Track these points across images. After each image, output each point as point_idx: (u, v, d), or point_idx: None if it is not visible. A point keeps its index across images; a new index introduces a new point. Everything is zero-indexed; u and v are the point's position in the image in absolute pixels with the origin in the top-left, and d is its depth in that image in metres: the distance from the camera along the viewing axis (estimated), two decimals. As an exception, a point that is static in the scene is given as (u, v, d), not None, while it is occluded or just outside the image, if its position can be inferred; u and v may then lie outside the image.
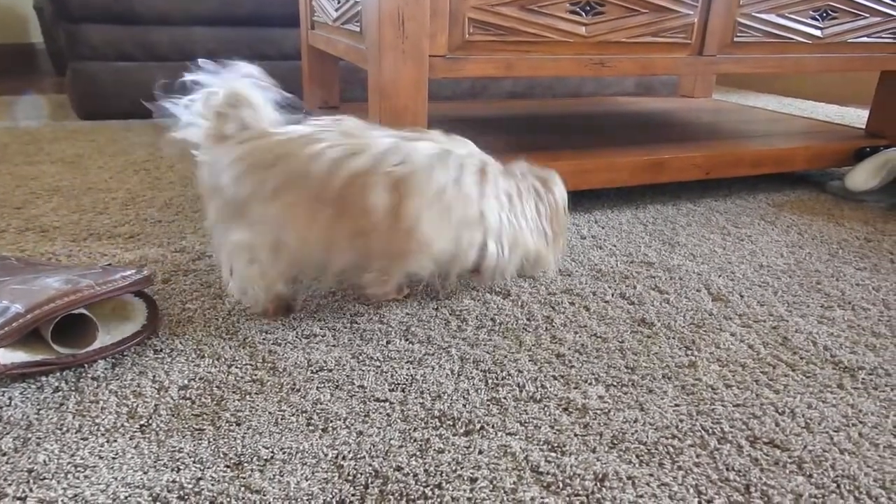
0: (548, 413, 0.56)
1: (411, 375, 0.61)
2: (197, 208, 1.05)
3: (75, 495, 0.46)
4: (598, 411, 0.57)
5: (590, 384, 0.61)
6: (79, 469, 0.48)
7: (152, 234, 0.94)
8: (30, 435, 0.52)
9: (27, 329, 0.56)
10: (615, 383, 0.61)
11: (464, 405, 0.57)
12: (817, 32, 1.12)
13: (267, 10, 1.78)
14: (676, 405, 0.58)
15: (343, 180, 0.63)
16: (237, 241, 0.65)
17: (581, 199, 1.15)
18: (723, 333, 0.71)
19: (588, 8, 0.94)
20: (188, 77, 0.65)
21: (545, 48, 0.94)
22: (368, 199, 0.63)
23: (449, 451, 0.51)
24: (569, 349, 0.67)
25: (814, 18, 1.11)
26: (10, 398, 0.56)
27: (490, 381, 0.61)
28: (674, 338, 0.70)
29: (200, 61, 0.66)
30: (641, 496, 0.47)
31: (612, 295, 0.79)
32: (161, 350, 0.64)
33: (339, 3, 1.07)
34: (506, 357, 0.65)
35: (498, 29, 0.90)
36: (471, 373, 0.62)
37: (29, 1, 2.79)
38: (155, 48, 1.74)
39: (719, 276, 0.86)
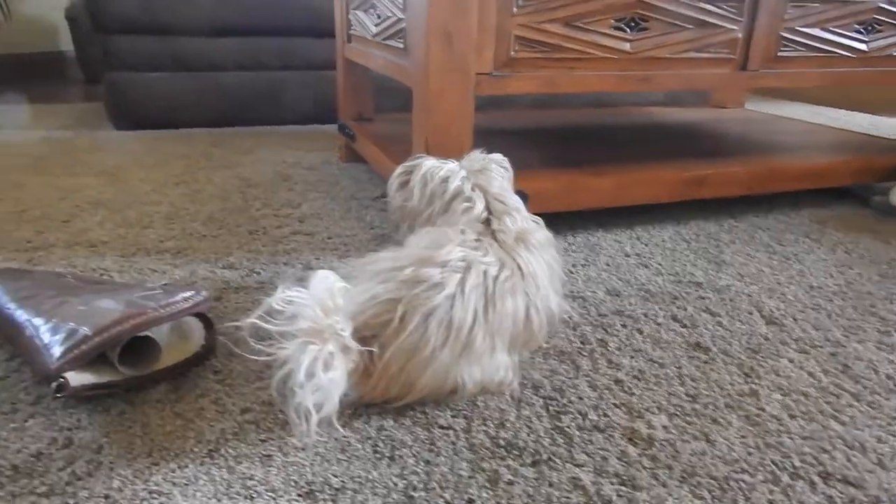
0: (613, 443, 0.56)
1: (472, 401, 0.61)
2: (239, 222, 1.06)
3: (153, 524, 0.46)
4: (665, 442, 0.56)
5: (652, 413, 0.60)
6: (154, 495, 0.49)
7: (199, 249, 0.95)
8: (101, 459, 0.52)
9: (96, 352, 0.57)
10: (678, 412, 0.60)
11: (528, 434, 0.57)
12: (862, 46, 1.10)
13: (295, 20, 1.79)
14: (742, 437, 0.57)
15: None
16: None
17: (622, 215, 1.14)
18: (781, 360, 0.70)
19: (632, 24, 0.94)
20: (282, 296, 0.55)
21: (589, 64, 0.93)
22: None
23: (519, 483, 0.51)
24: (627, 374, 0.66)
25: (858, 32, 1.10)
26: (77, 420, 0.57)
27: (551, 409, 0.60)
28: (731, 364, 0.69)
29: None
30: (718, 533, 0.46)
31: (664, 317, 0.79)
32: (220, 371, 0.65)
33: (379, 18, 1.07)
34: (564, 383, 0.64)
35: (543, 46, 0.90)
36: (531, 399, 0.62)
37: (60, 10, 2.83)
38: (185, 59, 1.76)
39: (770, 297, 0.85)
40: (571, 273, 0.90)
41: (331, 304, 0.55)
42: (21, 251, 0.92)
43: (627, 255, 0.97)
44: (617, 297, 0.84)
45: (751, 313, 0.81)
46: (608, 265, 0.94)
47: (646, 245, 1.02)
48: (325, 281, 0.57)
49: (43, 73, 2.91)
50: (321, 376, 0.52)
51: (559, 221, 1.09)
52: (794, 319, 0.79)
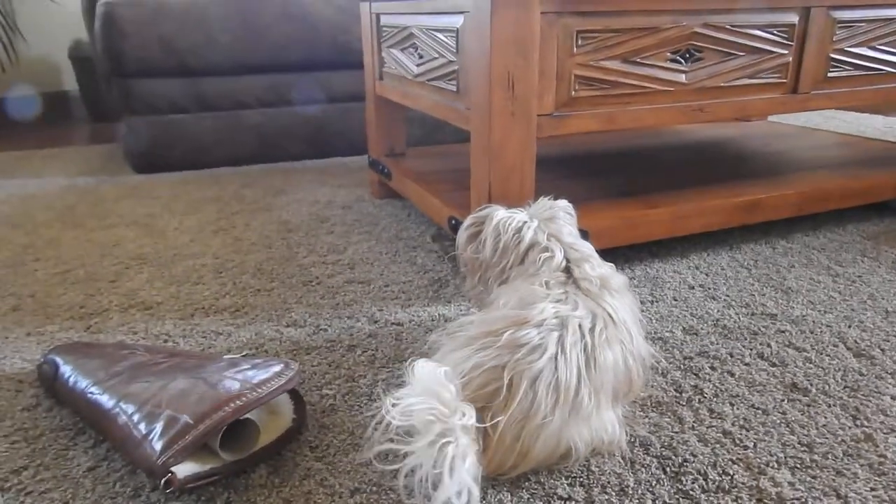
0: (746, 507, 0.54)
1: (584, 466, 0.59)
2: (290, 273, 1.04)
3: None
4: (796, 502, 0.54)
5: (773, 468, 0.58)
6: None
7: (256, 305, 0.93)
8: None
9: (201, 442, 0.55)
10: (798, 465, 0.59)
11: (653, 501, 0.55)
12: (906, 62, 1.10)
13: (316, 54, 1.78)
14: (873, 490, 0.55)
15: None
16: None
17: (674, 243, 1.13)
18: (883, 397, 0.68)
19: (687, 55, 0.93)
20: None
21: (646, 98, 0.92)
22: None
23: (664, 561, 0.49)
24: (733, 425, 0.64)
25: (901, 48, 1.09)
26: (184, 514, 0.54)
27: (668, 469, 0.58)
28: (835, 405, 0.67)
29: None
30: None
31: (750, 356, 0.77)
32: (317, 447, 0.62)
33: (421, 59, 1.06)
34: (673, 439, 0.62)
35: (602, 83, 0.89)
36: (644, 459, 0.60)
37: (63, 50, 2.82)
38: (206, 99, 1.74)
39: (849, 326, 0.84)
40: (642, 311, 0.88)
41: (448, 395, 0.53)
42: (76, 318, 0.90)
43: (692, 288, 0.96)
44: (696, 336, 0.82)
45: (836, 346, 0.79)
46: (675, 300, 0.92)
47: (706, 275, 1.00)
48: (427, 370, 0.54)
49: (47, 114, 2.88)
50: (461, 470, 0.50)
51: (613, 254, 1.08)
52: (882, 350, 0.78)
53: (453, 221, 1.01)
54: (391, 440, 0.51)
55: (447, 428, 0.50)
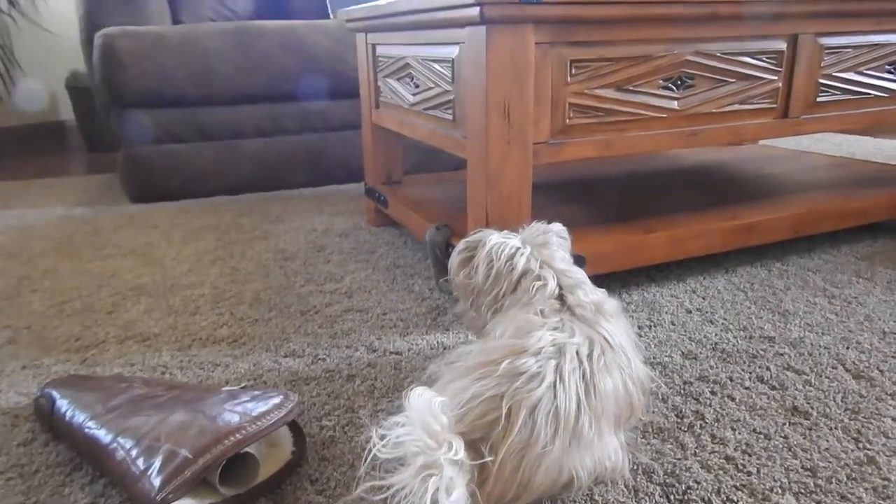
0: (751, 535, 0.53)
1: (587, 495, 0.58)
2: (288, 302, 1.04)
3: None
4: (802, 529, 0.54)
5: (778, 493, 0.58)
6: None
7: (254, 335, 0.92)
8: None
9: (200, 477, 0.54)
10: (803, 490, 0.58)
11: (659, 530, 0.54)
12: (894, 86, 1.12)
13: (312, 84, 1.80)
14: (878, 515, 0.55)
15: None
16: None
17: (670, 268, 1.13)
18: (884, 419, 0.68)
19: (679, 82, 0.94)
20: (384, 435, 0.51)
21: (641, 125, 0.94)
22: None
23: None
24: (735, 450, 0.64)
25: (889, 72, 1.12)
26: (183, 552, 0.53)
27: (673, 497, 0.58)
28: (836, 428, 0.67)
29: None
30: None
31: (750, 379, 0.77)
32: (317, 480, 0.62)
33: (417, 88, 1.08)
34: (675, 466, 0.62)
35: (596, 111, 0.90)
36: (647, 487, 0.59)
37: (60, 80, 2.84)
38: (204, 128, 1.75)
39: (847, 348, 0.84)
40: (640, 336, 0.89)
41: (437, 427, 0.52)
42: (72, 351, 0.89)
43: (689, 312, 0.96)
44: (695, 361, 0.82)
45: (835, 368, 0.79)
46: (673, 324, 0.92)
47: (703, 298, 1.00)
48: (422, 401, 0.54)
49: (43, 144, 2.90)
50: (445, 503, 0.49)
51: (610, 280, 1.08)
52: (881, 371, 0.78)
53: (441, 235, 1.01)
54: (379, 475, 0.51)
55: (432, 460, 0.50)
